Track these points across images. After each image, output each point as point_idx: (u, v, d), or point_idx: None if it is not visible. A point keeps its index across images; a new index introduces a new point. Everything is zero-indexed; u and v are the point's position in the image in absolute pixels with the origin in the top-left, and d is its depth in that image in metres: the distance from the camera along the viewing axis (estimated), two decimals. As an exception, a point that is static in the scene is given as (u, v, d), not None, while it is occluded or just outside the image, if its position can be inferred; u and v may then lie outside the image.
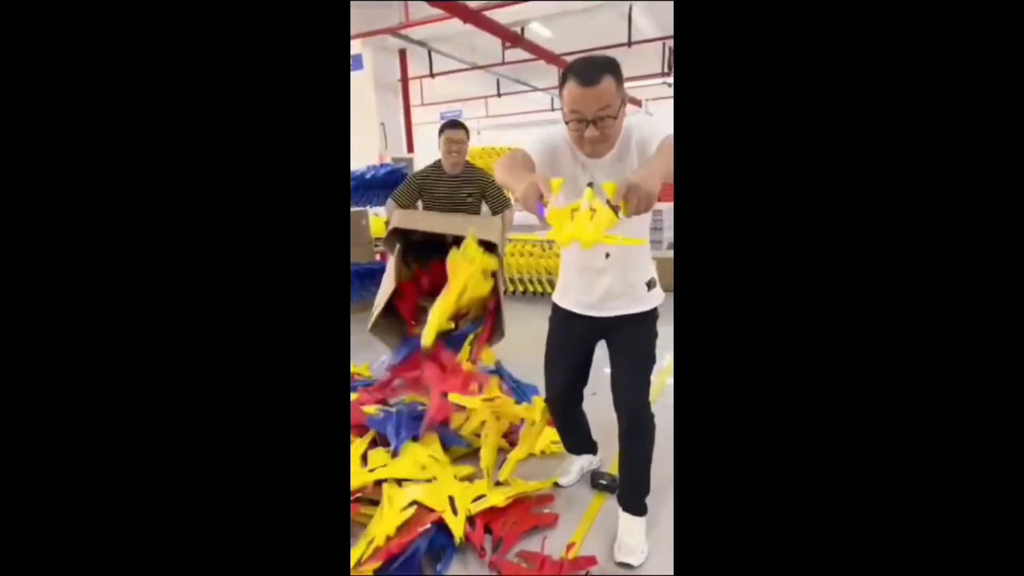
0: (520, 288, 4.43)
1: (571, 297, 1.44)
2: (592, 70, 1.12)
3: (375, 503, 1.51)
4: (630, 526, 1.42)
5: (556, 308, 1.50)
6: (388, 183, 4.46)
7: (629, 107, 1.27)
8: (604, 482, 1.69)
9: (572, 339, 1.47)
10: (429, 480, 1.56)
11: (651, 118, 1.40)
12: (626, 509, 1.44)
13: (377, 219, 4.46)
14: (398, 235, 2.29)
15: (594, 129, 1.15)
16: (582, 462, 1.77)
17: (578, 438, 1.72)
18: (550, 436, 1.86)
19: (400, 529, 1.37)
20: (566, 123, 1.18)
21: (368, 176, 3.80)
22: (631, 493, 1.44)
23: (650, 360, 1.40)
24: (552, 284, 1.61)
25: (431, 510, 1.44)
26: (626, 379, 1.38)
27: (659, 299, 1.41)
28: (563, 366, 1.51)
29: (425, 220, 2.31)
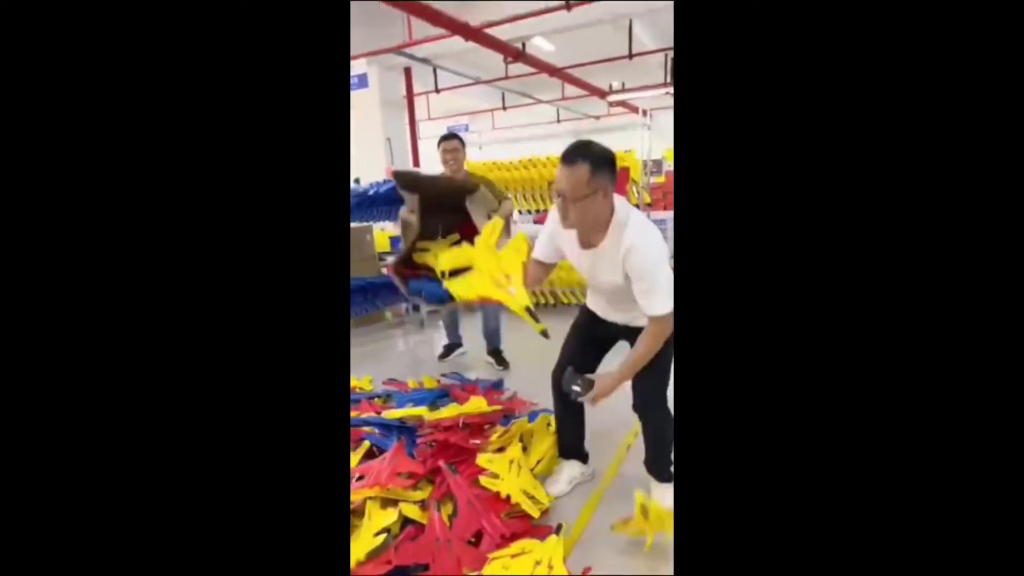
0: (551, 301, 4.38)
1: (592, 305, 1.69)
2: (571, 151, 1.30)
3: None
4: (662, 493, 1.59)
5: (582, 307, 1.75)
6: (393, 199, 4.48)
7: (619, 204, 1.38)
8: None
9: (591, 320, 1.67)
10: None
11: (649, 247, 1.34)
12: (650, 472, 1.64)
13: (382, 234, 4.49)
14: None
15: (570, 207, 1.32)
16: (572, 471, 1.76)
17: (572, 434, 1.76)
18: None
19: (372, 555, 1.31)
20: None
21: (371, 192, 3.84)
22: (653, 461, 1.63)
23: (665, 367, 1.50)
24: (584, 295, 1.78)
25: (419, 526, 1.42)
26: (640, 376, 1.48)
27: None
28: (576, 336, 1.71)
29: None
